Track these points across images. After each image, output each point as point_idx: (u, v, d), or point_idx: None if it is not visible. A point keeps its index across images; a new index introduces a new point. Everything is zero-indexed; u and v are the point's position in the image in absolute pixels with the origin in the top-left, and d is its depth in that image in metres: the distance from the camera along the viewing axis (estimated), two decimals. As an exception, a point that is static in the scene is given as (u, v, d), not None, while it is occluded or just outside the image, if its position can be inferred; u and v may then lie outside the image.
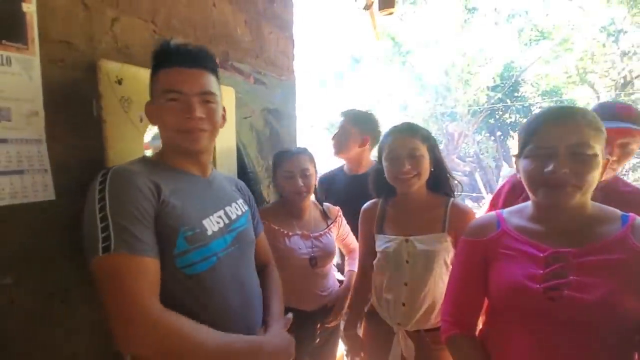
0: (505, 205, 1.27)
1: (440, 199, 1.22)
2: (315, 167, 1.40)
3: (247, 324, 0.89)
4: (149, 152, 1.20)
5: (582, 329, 0.70)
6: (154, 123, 0.90)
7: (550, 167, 0.74)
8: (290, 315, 0.98)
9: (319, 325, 1.40)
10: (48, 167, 0.83)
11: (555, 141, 0.74)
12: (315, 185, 1.42)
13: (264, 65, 1.58)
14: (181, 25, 1.17)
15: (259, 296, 0.97)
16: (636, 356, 0.72)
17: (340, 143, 1.75)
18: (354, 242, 1.59)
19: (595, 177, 0.73)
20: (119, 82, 0.95)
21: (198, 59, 0.83)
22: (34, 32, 0.78)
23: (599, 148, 0.72)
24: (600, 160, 0.73)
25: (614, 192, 1.12)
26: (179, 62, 0.81)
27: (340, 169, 1.91)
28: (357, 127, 1.73)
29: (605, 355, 0.70)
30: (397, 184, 1.19)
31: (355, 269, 1.49)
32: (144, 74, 1.03)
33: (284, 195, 1.41)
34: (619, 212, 0.79)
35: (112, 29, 0.96)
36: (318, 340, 1.42)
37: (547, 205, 0.80)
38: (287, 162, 1.33)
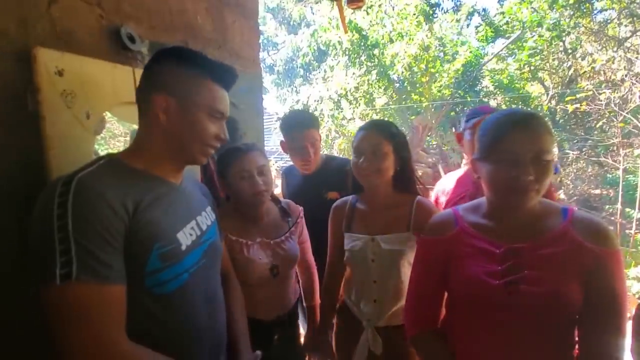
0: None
1: (406, 197, 1.23)
2: (268, 163, 1.28)
3: (213, 340, 0.85)
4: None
5: (535, 316, 0.77)
6: (172, 122, 0.75)
7: (514, 174, 0.77)
8: (258, 352, 0.94)
9: (276, 337, 1.30)
10: (-27, 172, 0.71)
11: (519, 149, 0.77)
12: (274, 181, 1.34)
13: (228, 57, 1.49)
14: (133, 10, 1.05)
15: (224, 309, 0.93)
16: (575, 331, 0.81)
17: None
18: (309, 255, 1.49)
19: (550, 181, 0.80)
20: (60, 73, 0.84)
21: (232, 85, 0.86)
22: (-53, 13, 0.66)
23: (553, 154, 0.78)
24: (552, 164, 0.79)
25: None
26: (226, 85, 0.83)
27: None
28: None
29: (553, 335, 0.79)
30: (360, 178, 1.21)
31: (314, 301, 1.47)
32: (91, 64, 0.93)
33: (238, 200, 1.26)
34: (559, 205, 0.86)
35: (48, 12, 0.84)
36: (275, 350, 1.30)
37: (509, 207, 0.85)
38: (240, 161, 1.18)
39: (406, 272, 1.15)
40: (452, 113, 9.31)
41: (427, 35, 7.45)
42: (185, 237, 0.77)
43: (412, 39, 7.60)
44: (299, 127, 1.60)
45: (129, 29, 1.02)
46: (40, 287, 0.58)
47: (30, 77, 0.79)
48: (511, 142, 0.79)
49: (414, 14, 7.80)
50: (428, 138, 8.71)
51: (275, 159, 8.93)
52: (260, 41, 1.79)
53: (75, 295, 0.58)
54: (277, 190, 1.96)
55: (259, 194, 1.19)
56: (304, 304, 1.52)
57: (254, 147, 1.25)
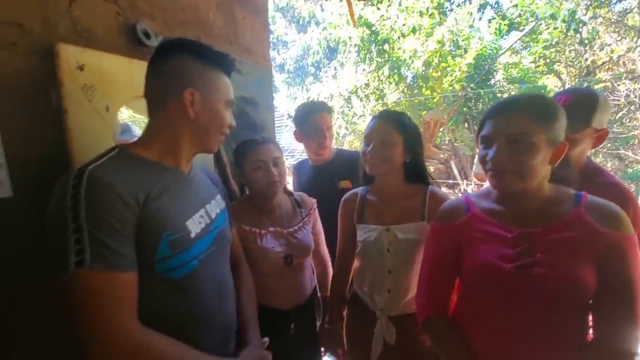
0: None
1: (417, 188, 1.23)
2: (283, 156, 1.32)
3: (222, 325, 0.87)
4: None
5: (548, 301, 0.77)
6: (198, 114, 0.79)
7: (490, 155, 0.80)
8: (266, 339, 0.96)
9: (293, 326, 1.32)
10: (3, 161, 0.76)
11: (496, 131, 0.80)
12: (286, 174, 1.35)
13: (239, 52, 1.52)
14: (148, 7, 1.09)
15: (234, 296, 0.95)
16: (589, 317, 0.80)
17: None
18: (323, 247, 1.50)
19: (536, 163, 0.77)
20: (81, 68, 0.88)
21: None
22: (-22, 11, 0.70)
23: (540, 136, 0.76)
24: (542, 147, 0.77)
25: (590, 182, 1.12)
26: (230, 75, 0.88)
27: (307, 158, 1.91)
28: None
29: (566, 320, 0.78)
30: (366, 166, 1.21)
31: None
32: (109, 59, 0.97)
33: (252, 190, 1.30)
34: (572, 191, 0.85)
35: (70, 11, 0.89)
36: (291, 340, 1.33)
37: (494, 189, 0.87)
38: (256, 151, 1.22)
39: (421, 261, 1.16)
40: (465, 108, 9.16)
41: (448, 30, 7.33)
42: (195, 224, 0.80)
43: (428, 34, 7.48)
44: (314, 110, 1.66)
45: (144, 25, 1.05)
46: (56, 275, 0.60)
47: (54, 73, 0.83)
48: (491, 124, 0.82)
49: (427, 9, 7.69)
50: (440, 134, 8.59)
51: (286, 157, 8.98)
52: (270, 40, 1.82)
53: (89, 283, 0.60)
54: (289, 187, 1.99)
55: (273, 184, 1.22)
56: (319, 295, 1.53)
57: (270, 140, 1.29)
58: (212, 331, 0.82)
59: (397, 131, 1.16)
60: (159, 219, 0.70)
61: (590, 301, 0.78)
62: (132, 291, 0.66)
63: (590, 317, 0.80)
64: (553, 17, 7.72)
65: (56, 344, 0.83)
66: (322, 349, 1.50)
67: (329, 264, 1.52)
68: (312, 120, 1.65)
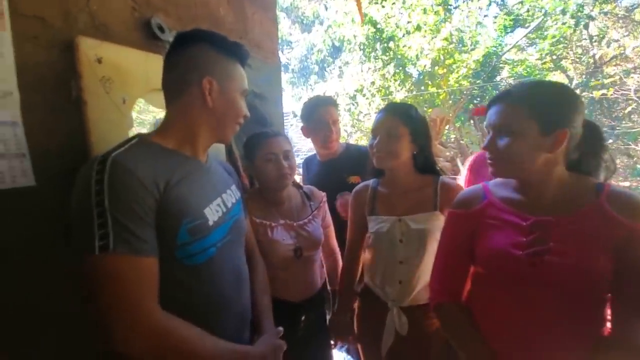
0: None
1: (428, 179, 1.24)
2: (293, 150, 1.33)
3: (239, 313, 0.89)
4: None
5: (560, 290, 0.76)
6: (215, 103, 0.81)
7: (483, 145, 0.85)
8: (280, 328, 0.97)
9: (303, 319, 1.33)
10: (26, 151, 0.78)
11: (489, 122, 0.85)
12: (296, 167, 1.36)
13: (249, 47, 1.52)
14: (162, 2, 1.11)
15: (248, 285, 0.97)
16: (606, 310, 0.79)
17: None
18: (332, 239, 1.52)
19: (524, 152, 0.79)
20: (99, 61, 0.90)
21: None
22: (2, 4, 0.72)
23: (529, 125, 0.77)
24: (531, 136, 0.77)
25: None
26: (244, 65, 0.90)
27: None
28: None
29: (580, 312, 0.77)
30: (373, 159, 1.22)
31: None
32: (125, 53, 0.99)
33: (262, 183, 1.31)
34: (594, 181, 0.84)
35: (88, 5, 0.91)
36: (301, 332, 1.33)
37: (492, 176, 0.90)
38: (267, 144, 1.23)
39: (433, 251, 1.14)
40: (471, 105, 9.12)
41: (454, 28, 7.30)
42: (212, 213, 0.81)
43: (433, 31, 7.44)
44: (320, 104, 1.68)
45: (158, 20, 1.07)
46: (80, 256, 0.62)
47: (74, 65, 0.85)
48: (487, 115, 0.85)
49: (432, 6, 7.65)
50: (446, 131, 8.55)
51: (292, 156, 8.97)
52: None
53: (113, 266, 0.61)
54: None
55: (283, 177, 1.23)
56: (329, 288, 1.54)
57: (280, 133, 1.30)
58: (229, 319, 0.84)
59: (403, 123, 1.16)
60: (178, 206, 0.72)
61: (609, 294, 0.77)
62: (154, 276, 0.67)
63: (609, 311, 0.78)
64: (563, 12, 7.64)
65: (77, 330, 0.85)
66: (332, 342, 1.50)
67: (339, 257, 1.53)
68: (318, 114, 1.65)
